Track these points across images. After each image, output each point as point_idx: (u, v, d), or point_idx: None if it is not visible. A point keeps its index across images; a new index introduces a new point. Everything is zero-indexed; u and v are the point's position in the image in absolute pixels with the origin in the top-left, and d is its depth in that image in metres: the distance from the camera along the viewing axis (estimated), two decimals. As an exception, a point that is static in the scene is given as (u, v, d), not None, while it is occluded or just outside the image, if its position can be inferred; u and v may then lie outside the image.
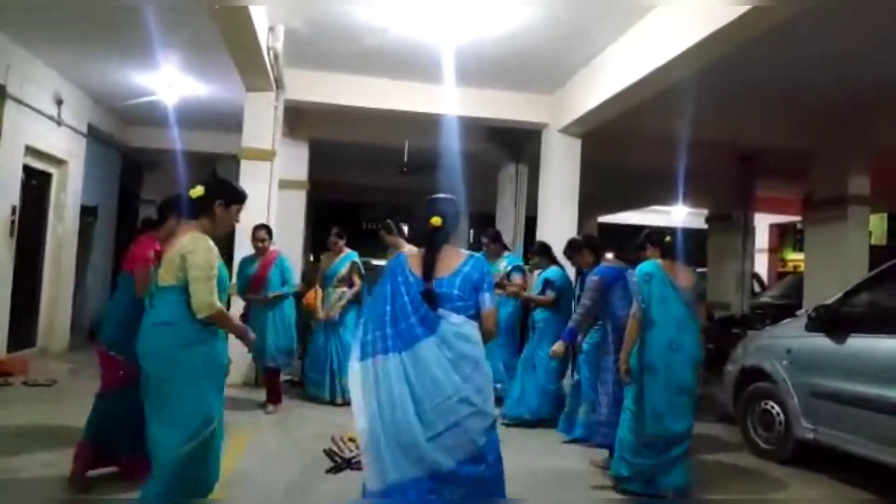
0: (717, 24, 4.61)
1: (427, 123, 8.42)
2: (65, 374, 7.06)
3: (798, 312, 5.88)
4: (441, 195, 3.19)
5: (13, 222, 7.13)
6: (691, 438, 4.13)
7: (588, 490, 4.34)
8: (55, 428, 4.83)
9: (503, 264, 6.61)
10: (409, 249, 6.52)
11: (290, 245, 8.38)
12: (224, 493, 3.63)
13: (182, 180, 9.08)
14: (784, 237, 20.09)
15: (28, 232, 7.75)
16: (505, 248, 7.03)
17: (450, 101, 7.55)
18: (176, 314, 2.96)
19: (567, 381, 5.89)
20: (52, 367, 7.41)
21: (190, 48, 6.87)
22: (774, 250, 20.00)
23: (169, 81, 7.94)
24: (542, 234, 8.04)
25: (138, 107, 8.85)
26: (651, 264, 4.24)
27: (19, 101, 7.09)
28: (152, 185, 12.45)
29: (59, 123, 8.07)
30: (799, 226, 17.13)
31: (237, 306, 6.14)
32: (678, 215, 16.34)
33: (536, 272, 6.40)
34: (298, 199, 9.80)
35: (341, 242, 6.59)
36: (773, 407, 5.14)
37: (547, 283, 6.00)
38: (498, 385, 5.62)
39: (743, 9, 4.33)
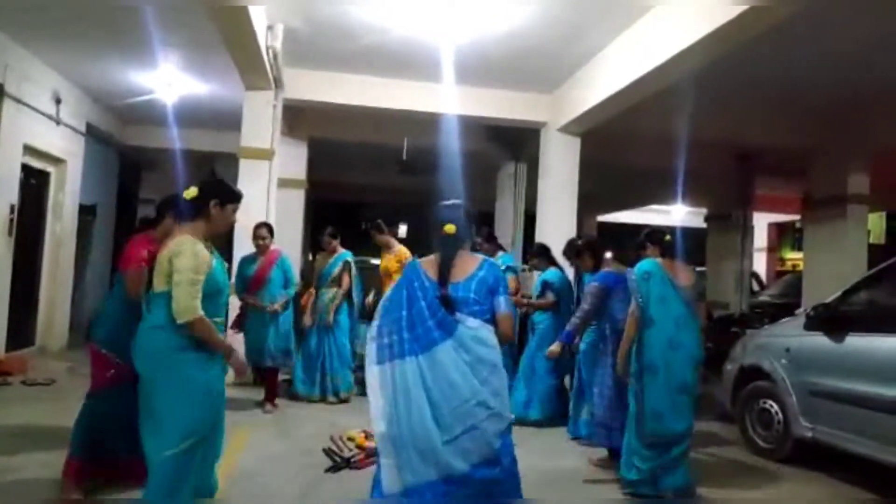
0: (715, 24, 4.62)
1: (426, 122, 8.42)
2: (64, 374, 7.05)
3: (797, 311, 5.89)
4: (452, 201, 3.21)
5: (12, 221, 7.12)
6: (692, 438, 4.14)
7: (587, 488, 4.35)
8: (54, 427, 4.82)
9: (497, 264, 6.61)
10: (402, 249, 6.59)
11: (288, 244, 8.37)
12: (224, 493, 3.64)
13: (181, 179, 9.07)
14: (783, 236, 20.10)
15: (26, 231, 7.75)
16: (499, 247, 7.02)
17: (449, 100, 7.55)
18: (168, 318, 2.90)
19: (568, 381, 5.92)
20: (51, 366, 7.41)
21: (189, 47, 6.86)
22: (773, 249, 20.02)
23: (168, 80, 7.94)
24: (541, 233, 8.04)
25: (137, 106, 8.85)
26: (650, 263, 4.24)
27: (18, 100, 7.08)
28: (151, 184, 12.45)
29: (58, 122, 8.07)
30: (798, 225, 17.14)
31: (233, 306, 6.12)
32: (677, 214, 16.35)
33: (536, 273, 6.39)
34: (297, 199, 9.80)
35: (335, 242, 6.58)
36: (771, 406, 5.14)
37: (546, 286, 6.00)
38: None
39: (740, 9, 4.34)
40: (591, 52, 6.61)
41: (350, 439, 4.85)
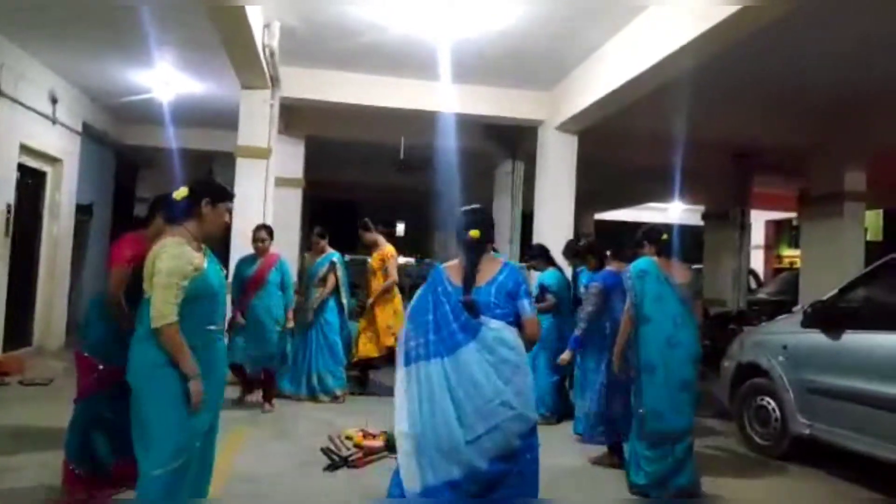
0: (710, 23, 4.63)
1: (423, 120, 8.41)
2: (61, 373, 7.03)
3: (794, 309, 5.89)
4: (474, 206, 3.29)
5: (8, 221, 7.10)
6: (693, 435, 4.14)
7: (589, 487, 4.35)
8: (52, 427, 4.78)
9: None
10: (387, 248, 6.59)
11: (286, 243, 8.37)
12: (222, 492, 3.64)
13: (178, 178, 9.05)
14: (780, 233, 20.14)
15: (23, 231, 7.72)
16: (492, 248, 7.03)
17: (446, 98, 7.55)
18: (150, 329, 2.75)
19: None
20: (49, 365, 7.39)
21: (186, 46, 6.85)
22: (770, 247, 20.06)
23: (164, 79, 7.92)
24: (538, 231, 8.05)
25: (134, 105, 8.84)
26: (646, 261, 4.25)
27: (14, 100, 7.06)
28: (148, 184, 12.44)
29: (54, 122, 8.05)
30: (795, 222, 17.16)
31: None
32: (675, 212, 16.37)
33: (535, 273, 6.40)
34: (294, 197, 9.78)
35: (323, 242, 6.59)
36: (769, 403, 5.15)
37: (544, 289, 6.01)
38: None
39: (735, 8, 4.35)
40: (589, 51, 6.61)
41: (348, 438, 4.85)
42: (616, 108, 6.87)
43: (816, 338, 4.78)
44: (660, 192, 14.43)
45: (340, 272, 6.51)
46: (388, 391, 6.61)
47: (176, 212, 2.97)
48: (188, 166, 10.04)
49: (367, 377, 7.08)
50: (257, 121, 7.11)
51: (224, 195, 3.06)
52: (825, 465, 4.84)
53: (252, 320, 5.80)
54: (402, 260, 9.10)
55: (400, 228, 17.69)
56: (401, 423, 2.90)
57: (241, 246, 6.33)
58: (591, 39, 6.34)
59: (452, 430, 2.81)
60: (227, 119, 8.24)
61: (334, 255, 6.54)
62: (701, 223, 12.76)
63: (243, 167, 7.08)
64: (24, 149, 7.49)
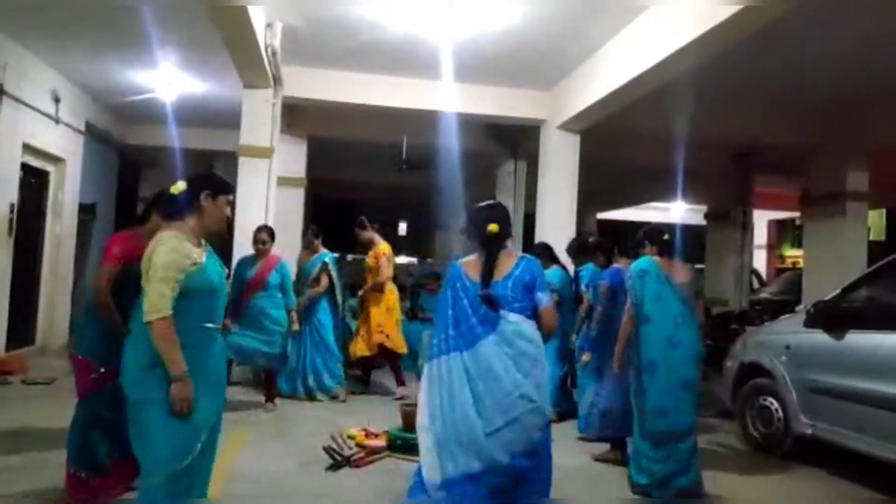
0: (711, 23, 4.64)
1: (425, 120, 8.41)
2: (64, 373, 7.03)
3: (797, 308, 5.88)
4: (491, 202, 3.35)
5: (11, 220, 7.12)
6: (695, 434, 4.14)
7: (591, 485, 4.35)
8: (54, 427, 4.80)
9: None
10: (382, 246, 6.58)
11: (288, 243, 8.36)
12: (223, 492, 3.64)
13: (180, 177, 9.05)
14: (783, 233, 20.11)
15: (26, 230, 7.75)
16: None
17: (448, 98, 7.55)
18: (142, 328, 2.64)
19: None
20: (52, 365, 7.39)
21: (188, 46, 6.86)
22: (773, 246, 20.02)
23: (167, 79, 7.94)
24: (540, 231, 8.05)
25: (136, 104, 8.86)
26: (646, 261, 4.25)
27: (17, 99, 7.08)
28: (151, 183, 12.42)
29: (57, 121, 8.06)
30: (797, 222, 17.13)
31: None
32: (677, 212, 16.34)
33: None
34: (297, 197, 9.78)
35: (317, 241, 6.58)
36: (771, 403, 5.14)
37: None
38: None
39: (735, 8, 4.36)
40: (590, 50, 6.61)
41: (350, 437, 4.86)
42: (617, 108, 6.87)
43: (819, 338, 4.77)
44: (661, 192, 14.43)
45: (333, 272, 6.51)
46: (390, 391, 6.69)
47: (174, 207, 2.87)
48: (191, 166, 10.02)
49: (368, 377, 7.08)
50: (259, 120, 7.12)
51: (224, 187, 2.95)
52: (827, 464, 4.83)
53: (253, 322, 5.75)
54: (404, 259, 9.10)
55: (402, 228, 17.71)
56: (422, 416, 2.98)
57: (243, 244, 6.33)
58: (593, 39, 6.34)
59: (472, 422, 2.86)
60: (229, 119, 8.25)
61: (326, 256, 6.54)
62: (703, 223, 12.75)
63: (246, 166, 7.09)
64: (28, 148, 7.50)
